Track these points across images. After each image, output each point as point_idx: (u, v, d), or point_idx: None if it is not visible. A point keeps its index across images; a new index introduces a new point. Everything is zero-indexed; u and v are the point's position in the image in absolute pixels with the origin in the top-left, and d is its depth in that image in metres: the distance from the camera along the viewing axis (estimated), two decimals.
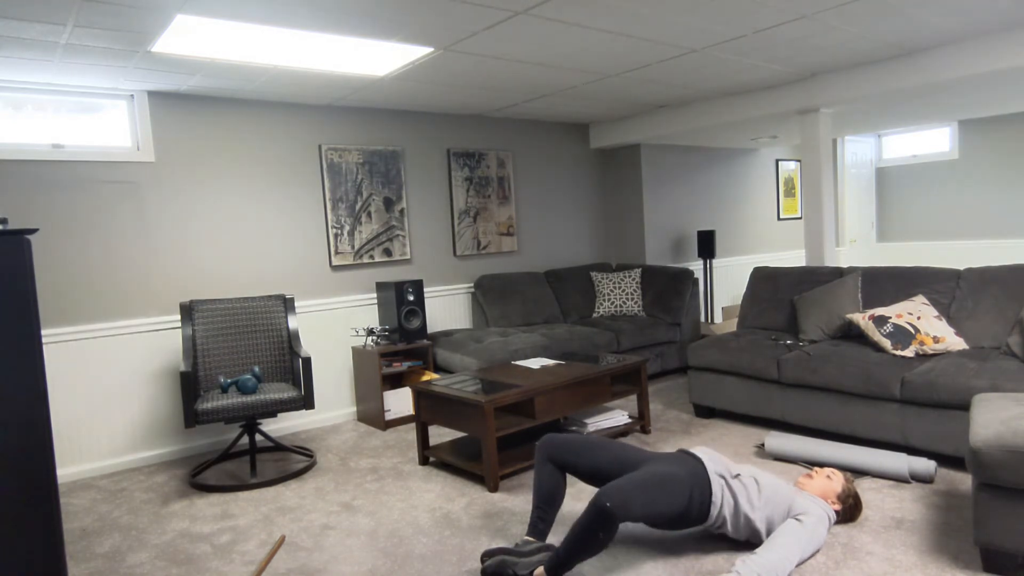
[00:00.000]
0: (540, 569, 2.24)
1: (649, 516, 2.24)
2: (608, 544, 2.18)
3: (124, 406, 3.95)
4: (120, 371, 3.93)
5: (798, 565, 2.34)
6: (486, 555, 2.35)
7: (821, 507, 2.49)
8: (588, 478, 2.57)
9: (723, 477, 2.44)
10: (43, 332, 3.69)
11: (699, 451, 2.56)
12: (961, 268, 3.87)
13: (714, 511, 2.39)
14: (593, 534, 2.14)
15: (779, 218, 7.51)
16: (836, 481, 2.64)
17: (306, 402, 3.60)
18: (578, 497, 3.05)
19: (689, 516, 2.37)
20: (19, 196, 3.64)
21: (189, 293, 4.15)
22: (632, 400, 4.71)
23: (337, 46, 3.29)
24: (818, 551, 2.43)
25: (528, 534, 2.47)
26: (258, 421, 3.73)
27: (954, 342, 3.52)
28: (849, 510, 2.62)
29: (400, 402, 4.53)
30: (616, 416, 3.86)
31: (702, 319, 6.37)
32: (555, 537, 2.67)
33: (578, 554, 2.18)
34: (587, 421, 3.76)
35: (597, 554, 2.21)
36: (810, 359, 3.62)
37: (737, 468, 2.51)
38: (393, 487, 3.37)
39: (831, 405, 3.54)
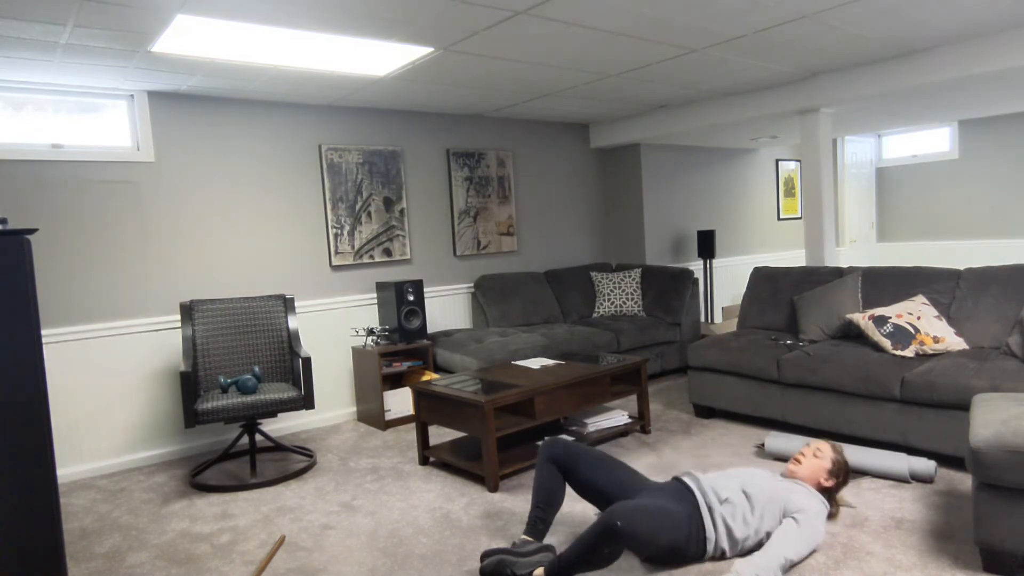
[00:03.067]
0: (540, 570, 2.24)
1: (652, 543, 2.23)
2: (612, 561, 2.19)
3: (124, 406, 3.95)
4: (120, 371, 3.93)
5: (798, 563, 2.34)
6: (485, 555, 2.35)
7: (816, 501, 2.48)
8: (582, 490, 2.57)
9: (711, 508, 2.42)
10: (43, 332, 3.69)
11: (690, 480, 2.53)
12: (961, 268, 3.87)
13: (710, 546, 2.38)
14: (598, 550, 2.15)
15: (779, 218, 7.51)
16: (825, 456, 2.62)
17: (306, 402, 3.60)
18: (578, 498, 3.04)
19: (687, 552, 2.35)
20: (19, 196, 3.64)
21: (189, 293, 4.15)
22: (632, 400, 4.71)
23: (337, 46, 3.29)
24: (817, 549, 2.43)
25: (526, 533, 2.47)
26: (258, 421, 3.73)
27: (954, 342, 3.52)
28: (843, 481, 2.64)
29: (400, 402, 4.53)
30: (616, 416, 3.86)
31: (702, 319, 6.37)
32: (553, 538, 2.67)
33: (581, 565, 2.18)
34: (587, 421, 3.76)
35: (599, 569, 2.21)
36: (810, 359, 3.62)
37: (725, 487, 2.47)
38: (393, 487, 3.37)
39: (831, 405, 3.54)
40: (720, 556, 2.42)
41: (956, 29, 3.63)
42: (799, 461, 2.65)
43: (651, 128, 5.59)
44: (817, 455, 2.64)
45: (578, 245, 6.17)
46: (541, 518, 2.49)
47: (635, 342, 5.07)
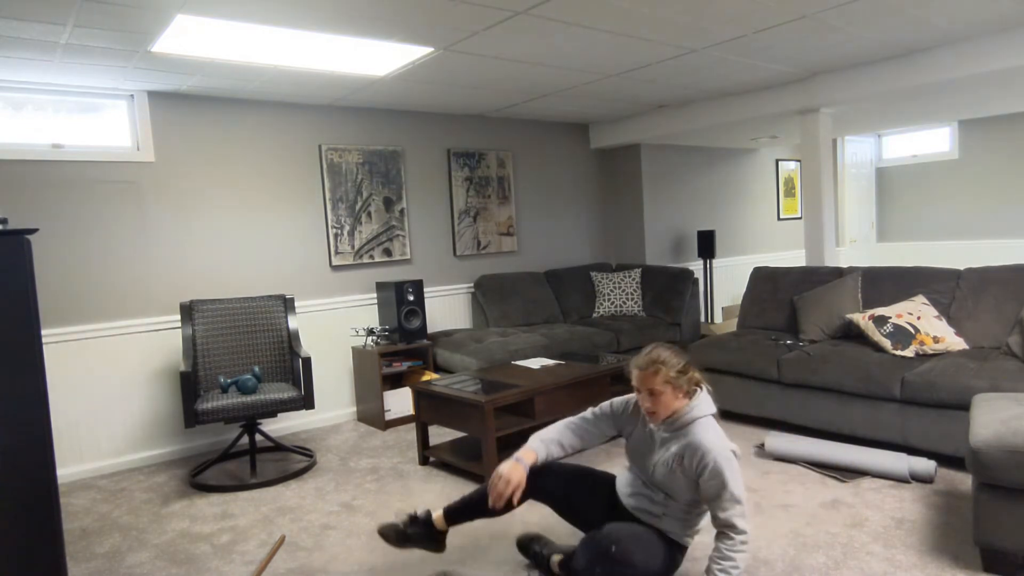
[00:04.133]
0: (559, 557, 2.32)
1: (645, 569, 2.08)
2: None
3: (124, 406, 3.95)
4: (120, 371, 3.93)
5: (741, 495, 2.06)
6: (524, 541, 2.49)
7: (700, 432, 2.10)
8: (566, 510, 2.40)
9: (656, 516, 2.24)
10: (43, 332, 3.69)
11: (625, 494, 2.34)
12: (961, 268, 3.87)
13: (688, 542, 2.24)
14: (591, 571, 2.05)
15: (779, 218, 7.51)
16: (661, 388, 2.11)
17: (306, 402, 3.60)
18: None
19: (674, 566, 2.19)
20: (19, 196, 3.64)
21: (189, 293, 4.15)
22: None
23: (337, 46, 3.29)
24: (734, 451, 2.10)
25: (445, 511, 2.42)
26: (258, 421, 3.72)
27: (954, 342, 3.52)
28: (688, 368, 2.17)
29: (400, 402, 4.53)
30: None
31: (702, 319, 6.37)
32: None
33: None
34: None
35: None
36: (810, 359, 3.62)
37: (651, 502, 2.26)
38: (393, 487, 3.37)
39: (831, 405, 3.54)
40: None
41: (956, 29, 3.63)
42: (654, 413, 2.16)
43: (651, 128, 5.59)
44: (657, 394, 2.13)
45: (578, 245, 6.17)
46: (465, 513, 2.41)
47: (635, 342, 5.07)
